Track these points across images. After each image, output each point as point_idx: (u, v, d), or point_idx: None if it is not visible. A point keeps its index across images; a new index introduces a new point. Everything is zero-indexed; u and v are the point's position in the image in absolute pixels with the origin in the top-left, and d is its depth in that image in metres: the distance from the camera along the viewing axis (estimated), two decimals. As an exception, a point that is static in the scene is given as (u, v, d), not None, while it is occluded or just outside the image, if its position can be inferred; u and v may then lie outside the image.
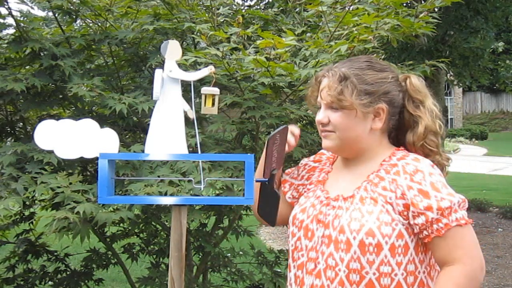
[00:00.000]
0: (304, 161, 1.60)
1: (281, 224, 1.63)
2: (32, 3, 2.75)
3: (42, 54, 2.49)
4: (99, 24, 2.76)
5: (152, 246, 3.12)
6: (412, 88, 1.43)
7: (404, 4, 2.43)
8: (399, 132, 1.46)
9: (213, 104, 1.41)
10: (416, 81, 1.44)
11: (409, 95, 1.43)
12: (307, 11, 2.74)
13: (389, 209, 1.31)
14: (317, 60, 2.27)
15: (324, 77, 1.42)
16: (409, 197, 1.29)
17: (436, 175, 1.33)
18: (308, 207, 1.44)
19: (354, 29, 2.25)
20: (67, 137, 1.37)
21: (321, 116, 1.40)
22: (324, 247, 1.35)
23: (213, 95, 1.41)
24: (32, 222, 3.14)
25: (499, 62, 8.07)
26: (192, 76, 1.42)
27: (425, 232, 1.29)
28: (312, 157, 1.61)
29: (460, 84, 8.63)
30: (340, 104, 1.36)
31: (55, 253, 3.17)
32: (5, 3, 2.46)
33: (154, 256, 3.07)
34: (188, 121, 1.45)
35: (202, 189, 1.63)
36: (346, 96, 1.35)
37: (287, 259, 3.12)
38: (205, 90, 1.41)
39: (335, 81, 1.37)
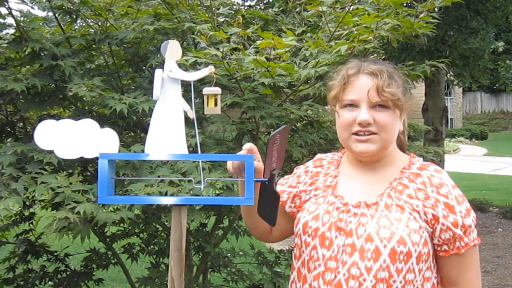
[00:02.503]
0: (302, 167, 1.54)
1: (280, 239, 1.58)
2: (32, 3, 2.75)
3: (42, 54, 2.49)
4: (100, 24, 2.76)
5: (152, 246, 3.12)
6: None
7: (404, 4, 2.43)
8: None
9: (215, 104, 1.41)
10: None
11: None
12: (307, 11, 2.74)
13: (416, 217, 1.30)
14: (317, 60, 2.27)
15: (361, 74, 1.34)
16: (438, 209, 1.30)
17: (457, 188, 1.35)
18: (321, 214, 1.38)
19: (354, 29, 2.26)
20: (67, 137, 1.37)
21: (366, 116, 1.31)
22: (346, 256, 1.30)
23: (215, 95, 1.41)
24: (32, 222, 3.14)
25: (499, 62, 8.06)
26: (192, 76, 1.42)
27: (445, 247, 1.32)
28: (309, 163, 1.54)
29: (460, 84, 8.62)
30: (394, 103, 1.31)
31: (55, 253, 3.17)
32: (5, 3, 2.46)
33: (154, 256, 3.07)
34: (188, 121, 1.45)
35: (202, 189, 1.62)
36: (396, 95, 1.31)
37: (287, 259, 3.14)
38: (206, 90, 1.41)
39: (386, 79, 1.31)
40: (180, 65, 1.51)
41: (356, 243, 1.29)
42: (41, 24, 2.75)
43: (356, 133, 1.33)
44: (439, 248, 1.32)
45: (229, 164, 1.37)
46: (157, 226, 2.99)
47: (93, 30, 2.78)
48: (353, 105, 1.34)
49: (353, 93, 1.34)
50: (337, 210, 1.36)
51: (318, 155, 1.55)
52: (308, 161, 1.56)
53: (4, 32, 2.72)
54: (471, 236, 1.32)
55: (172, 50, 1.40)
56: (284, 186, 1.54)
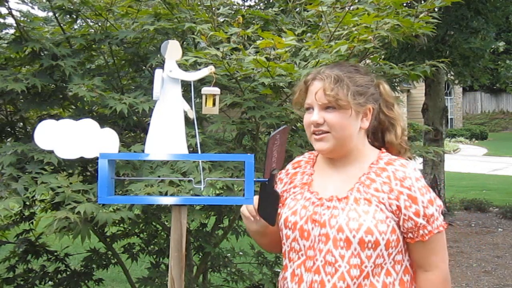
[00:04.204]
0: (283, 171, 1.65)
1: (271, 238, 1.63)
2: (32, 3, 2.75)
3: (42, 54, 2.49)
4: (100, 24, 2.76)
5: (152, 246, 3.12)
6: (385, 93, 1.56)
7: (404, 4, 2.43)
8: (375, 133, 1.58)
9: (213, 104, 1.42)
10: (387, 87, 1.58)
11: (383, 98, 1.55)
12: (307, 11, 2.74)
13: (383, 208, 1.42)
14: (317, 60, 2.27)
15: (315, 80, 1.49)
16: (401, 201, 1.42)
17: (421, 180, 1.46)
18: (299, 209, 1.50)
19: (354, 29, 2.26)
20: (67, 137, 1.37)
21: (316, 117, 1.45)
22: (322, 244, 1.43)
23: (214, 95, 1.41)
24: (32, 222, 3.14)
25: (499, 62, 8.05)
26: (192, 76, 1.42)
27: (410, 235, 1.44)
28: (289, 166, 1.66)
29: (461, 84, 8.63)
30: (337, 104, 1.43)
31: (55, 253, 3.17)
32: (5, 3, 2.46)
33: (154, 256, 3.07)
34: (188, 121, 1.45)
35: (202, 189, 1.63)
36: (342, 96, 1.43)
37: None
38: (205, 90, 1.41)
39: (331, 82, 1.44)
40: (180, 65, 1.51)
41: (330, 233, 1.42)
42: (41, 24, 2.75)
43: (314, 133, 1.48)
44: (405, 236, 1.45)
45: (245, 210, 1.50)
46: (157, 226, 2.99)
47: (93, 30, 2.78)
48: (310, 108, 1.49)
49: (309, 97, 1.50)
50: (313, 205, 1.49)
51: (296, 158, 1.68)
52: (288, 164, 1.68)
53: (4, 32, 2.72)
54: (434, 224, 1.43)
55: (172, 50, 1.41)
56: None
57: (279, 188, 1.61)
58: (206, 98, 1.42)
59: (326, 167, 1.55)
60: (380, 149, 1.54)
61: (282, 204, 1.58)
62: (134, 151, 2.18)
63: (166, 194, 1.97)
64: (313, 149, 1.65)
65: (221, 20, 2.66)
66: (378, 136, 1.58)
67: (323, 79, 1.46)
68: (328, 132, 1.45)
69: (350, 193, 1.45)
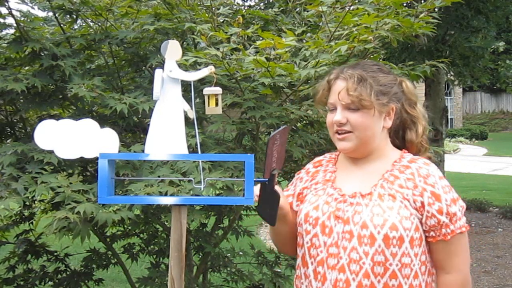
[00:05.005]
0: (303, 171, 1.64)
1: (291, 240, 1.59)
2: (32, 3, 2.75)
3: (42, 54, 2.49)
4: (100, 24, 2.76)
5: (152, 246, 3.12)
6: (408, 91, 1.55)
7: (404, 4, 2.42)
8: (397, 131, 1.57)
9: (216, 103, 1.43)
10: (410, 85, 1.57)
11: (406, 96, 1.54)
12: (307, 11, 2.74)
13: (407, 204, 1.41)
14: (317, 60, 2.27)
15: (338, 80, 1.48)
16: (425, 197, 1.41)
17: (444, 179, 1.45)
18: (321, 204, 1.48)
19: (354, 29, 2.25)
20: (67, 137, 1.38)
21: (339, 116, 1.45)
22: (346, 242, 1.40)
23: (216, 95, 1.42)
24: (32, 222, 3.14)
25: (499, 62, 8.04)
26: (192, 76, 1.42)
27: (432, 233, 1.42)
28: (309, 165, 1.64)
29: (461, 84, 8.62)
30: (361, 104, 1.42)
31: (55, 253, 3.17)
32: (5, 3, 2.46)
33: (154, 256, 3.07)
34: (188, 121, 1.45)
35: (202, 189, 1.63)
36: (366, 96, 1.42)
37: (287, 259, 3.14)
38: (207, 90, 1.42)
39: (354, 82, 1.43)
40: (180, 65, 1.51)
41: (353, 229, 1.40)
42: (41, 24, 2.75)
43: (337, 132, 1.47)
44: (427, 234, 1.43)
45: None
46: (157, 226, 2.99)
47: (93, 30, 2.78)
48: (332, 107, 1.49)
49: (332, 97, 1.49)
50: (336, 201, 1.47)
51: (317, 158, 1.66)
52: (308, 163, 1.66)
53: (4, 32, 2.72)
54: (457, 224, 1.42)
55: (172, 50, 1.41)
56: (289, 191, 1.63)
57: (298, 185, 1.60)
58: (208, 98, 1.42)
59: (348, 165, 1.54)
60: (402, 150, 1.54)
61: (300, 201, 1.57)
62: (134, 151, 2.18)
63: (166, 194, 1.97)
64: (324, 151, 1.64)
65: (221, 20, 2.66)
66: (399, 134, 1.57)
67: (346, 79, 1.45)
68: (351, 131, 1.45)
69: (374, 189, 1.44)
